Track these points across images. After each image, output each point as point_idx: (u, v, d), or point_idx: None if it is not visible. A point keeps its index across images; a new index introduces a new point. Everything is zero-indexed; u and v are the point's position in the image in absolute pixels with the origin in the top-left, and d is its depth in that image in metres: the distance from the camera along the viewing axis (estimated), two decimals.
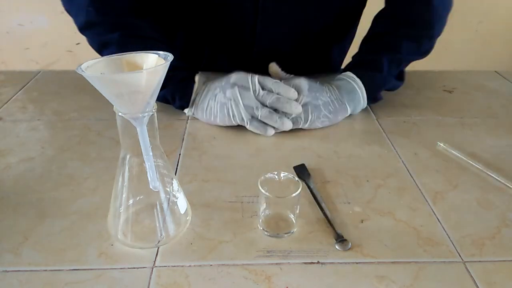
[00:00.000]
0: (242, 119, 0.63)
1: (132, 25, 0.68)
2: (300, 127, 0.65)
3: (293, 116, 0.64)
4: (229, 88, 0.62)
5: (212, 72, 0.72)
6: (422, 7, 0.71)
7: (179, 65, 0.69)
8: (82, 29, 0.68)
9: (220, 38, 0.81)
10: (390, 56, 0.71)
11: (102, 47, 0.68)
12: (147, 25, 0.69)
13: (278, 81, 0.63)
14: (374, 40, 0.74)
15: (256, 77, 0.63)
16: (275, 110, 0.63)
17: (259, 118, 0.62)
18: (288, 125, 0.63)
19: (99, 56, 0.59)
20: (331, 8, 0.77)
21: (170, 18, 0.79)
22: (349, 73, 0.71)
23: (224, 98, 0.63)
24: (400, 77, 0.74)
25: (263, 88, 0.63)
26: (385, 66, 0.70)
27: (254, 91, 0.62)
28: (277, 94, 0.62)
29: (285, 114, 0.63)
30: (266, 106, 0.63)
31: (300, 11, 0.75)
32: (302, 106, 0.64)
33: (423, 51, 0.73)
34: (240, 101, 0.62)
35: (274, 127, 0.63)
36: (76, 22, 0.68)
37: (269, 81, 0.63)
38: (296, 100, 0.63)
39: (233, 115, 0.63)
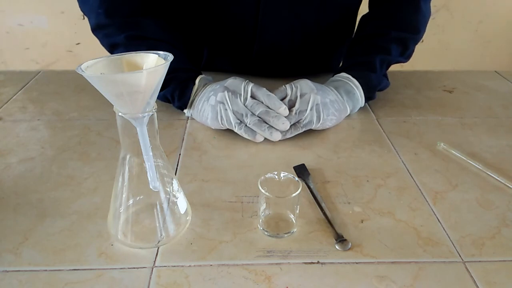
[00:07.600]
0: (231, 123, 0.61)
1: (138, 26, 0.68)
2: (313, 128, 0.63)
3: (306, 118, 0.62)
4: (220, 91, 0.62)
5: (215, 73, 0.71)
6: (411, 12, 0.73)
7: (183, 67, 0.69)
8: (94, 30, 0.70)
9: (221, 37, 0.81)
10: (381, 57, 0.72)
11: (112, 48, 0.69)
12: (155, 26, 0.69)
13: (271, 94, 0.61)
14: (364, 42, 0.75)
15: (251, 85, 0.61)
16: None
17: (247, 125, 0.61)
18: (276, 136, 0.60)
19: (99, 56, 0.59)
20: (331, 5, 0.77)
21: (173, 16, 0.79)
22: (344, 74, 0.71)
23: (215, 101, 0.62)
24: (386, 78, 0.75)
25: (254, 98, 0.61)
26: (378, 67, 0.71)
27: (245, 98, 0.61)
28: (267, 107, 0.61)
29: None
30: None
31: (301, 9, 0.76)
32: (314, 106, 0.62)
33: (407, 54, 0.75)
34: (230, 106, 0.61)
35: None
36: (90, 23, 0.70)
37: (262, 92, 0.61)
38: (307, 99, 0.61)
39: (222, 119, 0.61)
